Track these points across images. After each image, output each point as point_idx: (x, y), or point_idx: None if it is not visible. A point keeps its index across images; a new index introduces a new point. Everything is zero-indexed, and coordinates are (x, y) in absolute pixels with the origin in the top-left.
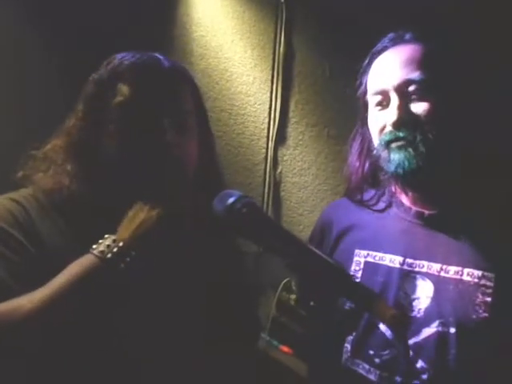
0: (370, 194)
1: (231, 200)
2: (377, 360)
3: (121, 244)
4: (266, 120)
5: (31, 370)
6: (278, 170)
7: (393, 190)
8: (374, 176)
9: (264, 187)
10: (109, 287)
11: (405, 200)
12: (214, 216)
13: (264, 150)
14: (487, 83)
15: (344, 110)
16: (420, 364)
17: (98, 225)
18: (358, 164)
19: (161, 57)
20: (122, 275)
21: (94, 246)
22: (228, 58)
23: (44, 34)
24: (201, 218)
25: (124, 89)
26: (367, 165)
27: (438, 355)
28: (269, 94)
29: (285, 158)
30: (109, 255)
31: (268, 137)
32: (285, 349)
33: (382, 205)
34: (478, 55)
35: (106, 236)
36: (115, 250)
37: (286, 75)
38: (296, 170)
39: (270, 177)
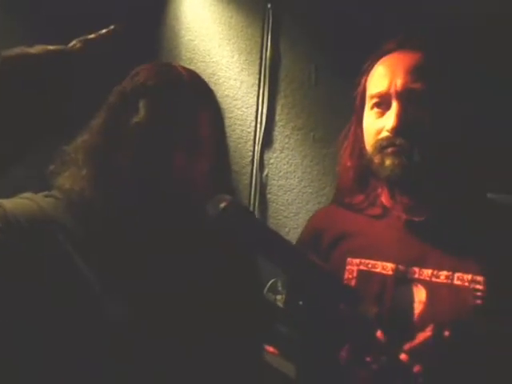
0: (359, 198)
1: (222, 205)
2: (374, 366)
3: None
4: (253, 123)
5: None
6: (265, 173)
7: (383, 196)
8: (364, 179)
9: (250, 190)
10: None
11: (395, 207)
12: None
13: (251, 153)
14: (488, 97)
15: (329, 113)
16: (416, 368)
17: (105, 233)
18: (348, 165)
19: (187, 78)
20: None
21: None
22: (215, 62)
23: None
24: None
25: (142, 110)
26: (358, 167)
27: (434, 359)
28: (256, 98)
29: (271, 161)
30: None
31: (255, 140)
32: (270, 349)
33: (374, 210)
34: (481, 68)
35: None
36: None
37: (272, 79)
38: (282, 172)
39: (256, 179)
